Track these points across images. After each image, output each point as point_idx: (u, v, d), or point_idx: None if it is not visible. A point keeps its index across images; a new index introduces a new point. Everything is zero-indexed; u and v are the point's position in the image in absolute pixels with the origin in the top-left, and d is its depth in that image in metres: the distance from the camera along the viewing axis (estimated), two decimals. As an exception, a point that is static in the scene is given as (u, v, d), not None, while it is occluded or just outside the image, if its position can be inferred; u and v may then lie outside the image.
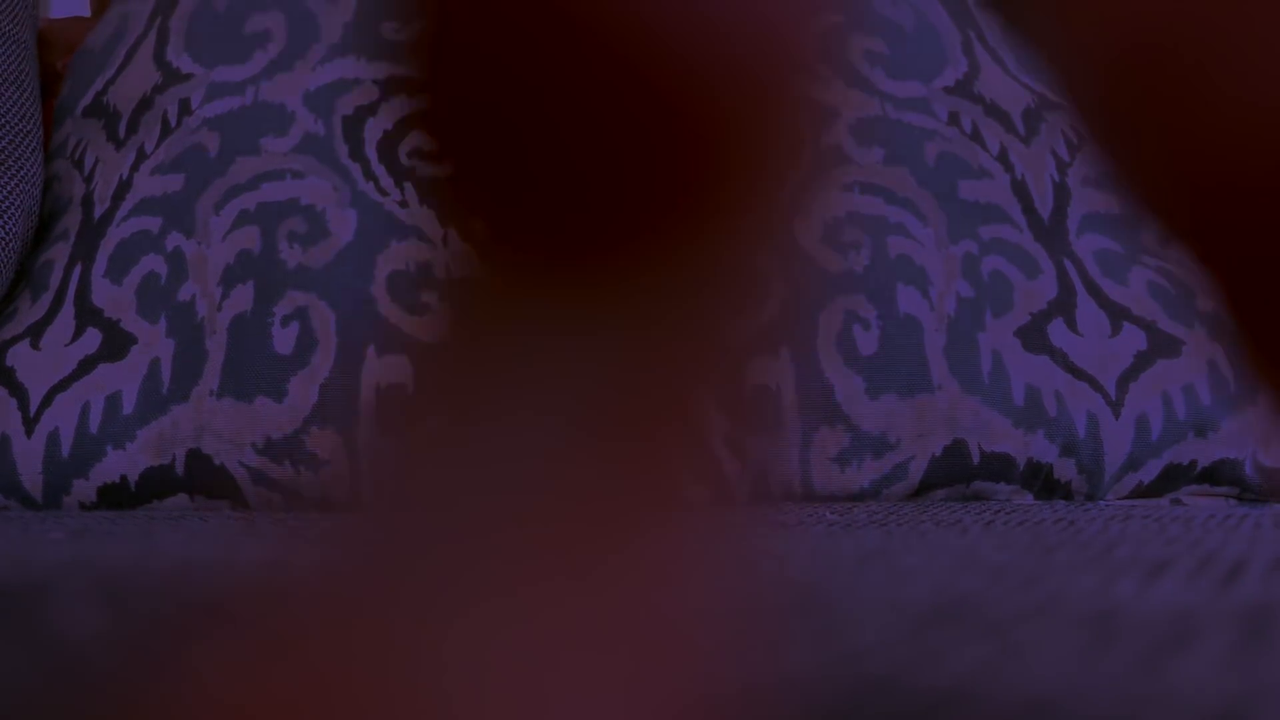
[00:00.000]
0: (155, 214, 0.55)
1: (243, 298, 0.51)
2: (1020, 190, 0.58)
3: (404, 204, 0.54)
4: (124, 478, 0.50)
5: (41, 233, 0.59)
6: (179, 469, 0.49)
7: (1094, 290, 0.55)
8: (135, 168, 0.57)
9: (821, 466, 0.50)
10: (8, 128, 0.59)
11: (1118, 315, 0.54)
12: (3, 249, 0.55)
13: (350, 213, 0.53)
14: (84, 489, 0.50)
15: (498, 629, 0.07)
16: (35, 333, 0.53)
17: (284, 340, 0.50)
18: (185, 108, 0.58)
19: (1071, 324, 0.53)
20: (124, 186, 0.57)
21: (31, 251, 0.58)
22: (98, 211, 0.56)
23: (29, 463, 0.50)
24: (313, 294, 0.51)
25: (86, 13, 0.80)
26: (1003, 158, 0.58)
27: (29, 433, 0.50)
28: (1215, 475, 0.53)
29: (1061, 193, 0.58)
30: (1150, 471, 0.52)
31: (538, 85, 0.08)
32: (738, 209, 0.08)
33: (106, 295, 0.53)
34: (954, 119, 0.59)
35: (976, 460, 0.51)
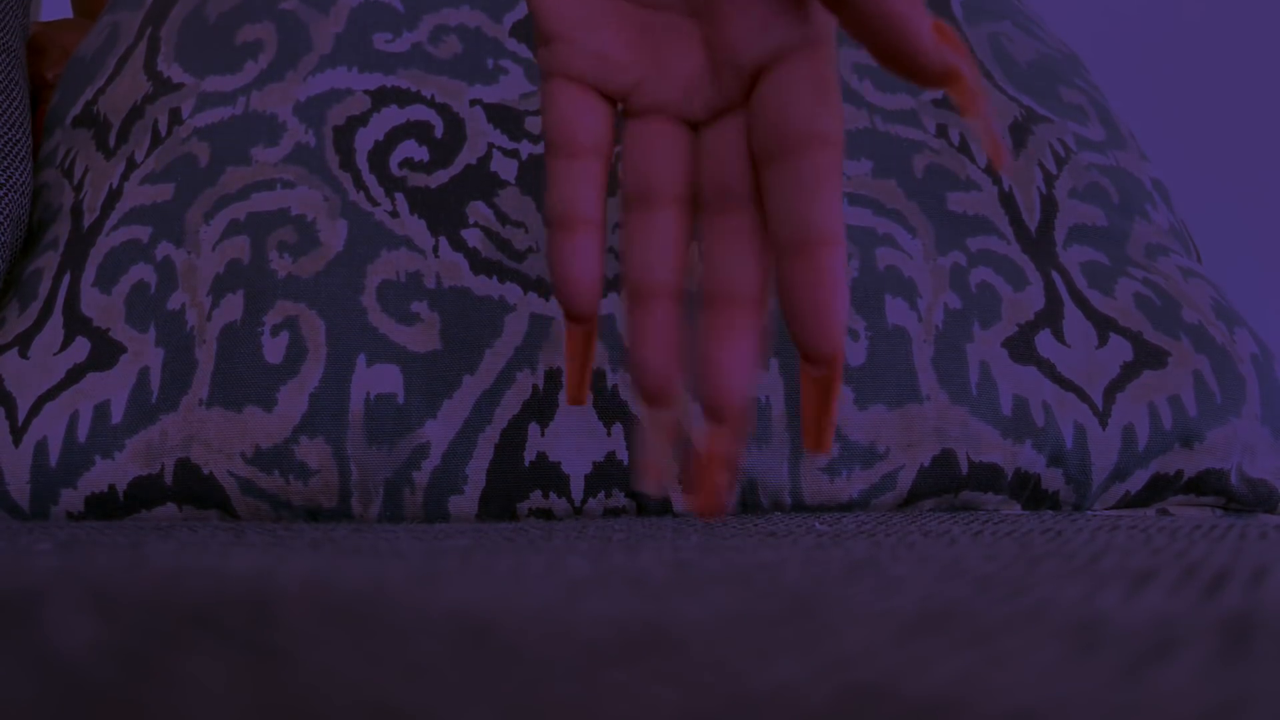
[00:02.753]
0: (145, 223, 0.55)
1: (232, 307, 0.51)
2: (1008, 202, 0.58)
3: (394, 214, 0.54)
4: (112, 487, 0.49)
5: (30, 241, 0.59)
6: (168, 478, 0.49)
7: (1081, 301, 0.55)
8: (125, 177, 0.57)
9: (810, 476, 0.50)
10: (-3, 136, 0.59)
11: (1104, 326, 0.54)
12: (-9, 258, 0.55)
13: (341, 223, 0.53)
14: (72, 499, 0.50)
15: None
16: (23, 341, 0.53)
17: (274, 350, 0.50)
18: (175, 117, 0.58)
19: (1059, 335, 0.54)
20: (114, 196, 0.56)
21: (20, 260, 0.58)
22: (87, 220, 0.56)
23: (16, 472, 0.50)
24: (302, 304, 0.51)
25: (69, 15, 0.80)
26: (990, 170, 0.59)
27: (16, 442, 0.50)
28: (1201, 485, 0.53)
29: (1049, 205, 0.58)
30: (1137, 481, 0.53)
31: None
32: None
33: (95, 304, 0.53)
34: (942, 131, 0.60)
35: (965, 470, 0.51)
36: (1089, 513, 0.52)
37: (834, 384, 0.31)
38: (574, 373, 0.34)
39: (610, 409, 0.50)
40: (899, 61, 0.28)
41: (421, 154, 0.56)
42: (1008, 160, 0.30)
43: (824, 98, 0.30)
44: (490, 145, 0.56)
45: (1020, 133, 0.61)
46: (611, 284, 0.53)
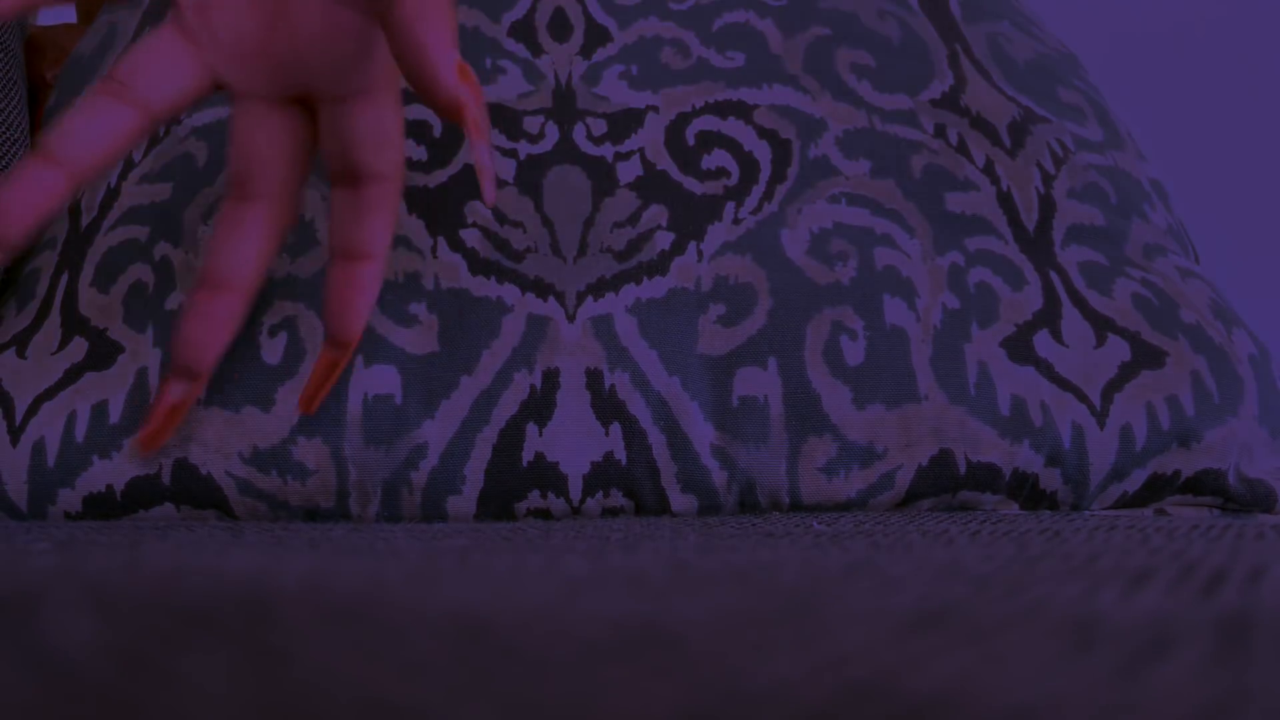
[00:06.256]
0: (143, 223, 0.55)
1: (230, 307, 0.51)
2: (1006, 202, 0.58)
3: (392, 214, 0.54)
4: (110, 487, 0.49)
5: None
6: (165, 478, 0.49)
7: (1079, 301, 0.55)
8: (123, 176, 0.57)
9: (809, 476, 0.50)
10: (-5, 136, 0.59)
11: (1102, 326, 0.54)
12: (-11, 258, 0.55)
13: (339, 222, 0.54)
14: (69, 499, 0.50)
15: None
16: (21, 341, 0.53)
17: (272, 350, 0.50)
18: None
19: (1057, 335, 0.54)
20: (111, 195, 0.56)
21: (18, 260, 0.58)
22: (85, 220, 0.56)
23: (13, 472, 0.50)
24: (301, 303, 0.51)
25: (74, 20, 0.80)
26: (989, 170, 0.59)
27: (14, 442, 0.50)
28: (1199, 485, 0.53)
29: (1047, 205, 0.58)
30: (1135, 481, 0.53)
31: None
32: None
33: (93, 304, 0.53)
34: (940, 131, 0.60)
35: (963, 470, 0.51)
36: (1087, 513, 0.52)
37: (342, 364, 0.40)
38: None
39: (608, 409, 0.50)
40: (418, 86, 0.35)
41: (420, 153, 0.56)
42: (491, 195, 0.36)
43: (383, 140, 0.36)
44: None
45: (1018, 133, 0.61)
46: (609, 284, 0.53)
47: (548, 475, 0.49)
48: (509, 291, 0.52)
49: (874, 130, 0.59)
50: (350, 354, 0.39)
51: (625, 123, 0.58)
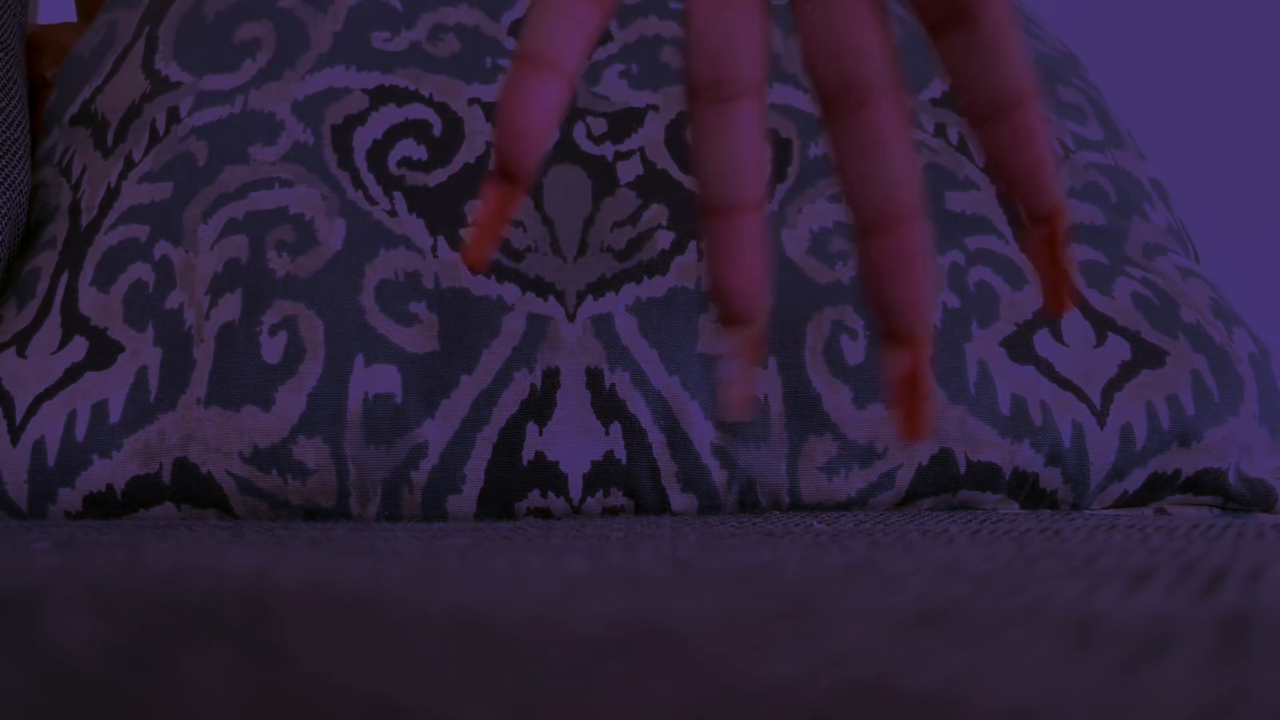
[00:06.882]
0: (143, 222, 0.55)
1: (230, 306, 0.51)
2: (1006, 201, 0.58)
3: (393, 213, 0.54)
4: (110, 487, 0.49)
5: (28, 240, 0.59)
6: (166, 478, 0.49)
7: (1079, 301, 0.55)
8: (123, 176, 0.57)
9: (809, 475, 0.50)
10: (-5, 135, 0.59)
11: (1102, 325, 0.54)
12: (-11, 257, 0.55)
13: (339, 222, 0.53)
14: (70, 498, 0.50)
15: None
16: (21, 340, 0.53)
17: (272, 349, 0.50)
18: (174, 116, 0.58)
19: (1057, 334, 0.54)
20: (112, 194, 0.56)
21: (18, 259, 0.58)
22: (85, 219, 0.56)
23: (14, 472, 0.50)
24: (301, 303, 0.51)
25: (74, 19, 0.80)
26: (992, 177, 0.59)
27: (14, 441, 0.50)
28: (1199, 485, 0.53)
29: (1047, 204, 0.58)
30: (1135, 481, 0.53)
31: None
32: None
33: (93, 303, 0.53)
34: (940, 131, 0.60)
35: (963, 469, 0.51)
36: (1087, 512, 0.52)
37: (1061, 237, 0.30)
38: (484, 234, 0.30)
39: (608, 408, 0.50)
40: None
41: (420, 153, 0.56)
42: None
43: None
44: (489, 144, 0.56)
45: (1018, 132, 0.61)
46: (610, 283, 0.53)
47: (548, 474, 0.49)
48: (509, 291, 0.52)
49: (874, 129, 0.59)
50: (1065, 221, 0.31)
51: (625, 122, 0.58)
